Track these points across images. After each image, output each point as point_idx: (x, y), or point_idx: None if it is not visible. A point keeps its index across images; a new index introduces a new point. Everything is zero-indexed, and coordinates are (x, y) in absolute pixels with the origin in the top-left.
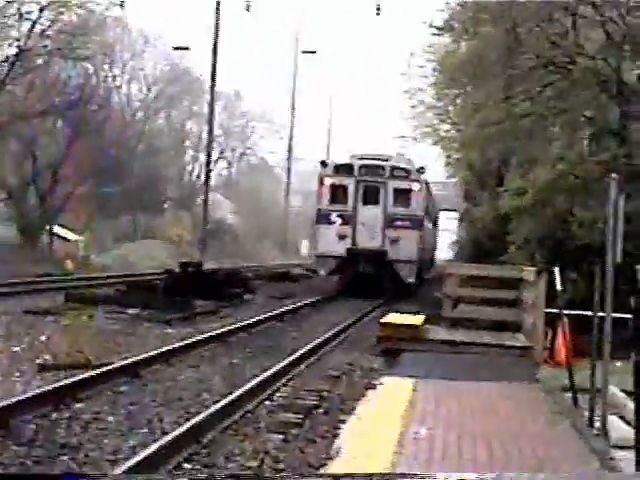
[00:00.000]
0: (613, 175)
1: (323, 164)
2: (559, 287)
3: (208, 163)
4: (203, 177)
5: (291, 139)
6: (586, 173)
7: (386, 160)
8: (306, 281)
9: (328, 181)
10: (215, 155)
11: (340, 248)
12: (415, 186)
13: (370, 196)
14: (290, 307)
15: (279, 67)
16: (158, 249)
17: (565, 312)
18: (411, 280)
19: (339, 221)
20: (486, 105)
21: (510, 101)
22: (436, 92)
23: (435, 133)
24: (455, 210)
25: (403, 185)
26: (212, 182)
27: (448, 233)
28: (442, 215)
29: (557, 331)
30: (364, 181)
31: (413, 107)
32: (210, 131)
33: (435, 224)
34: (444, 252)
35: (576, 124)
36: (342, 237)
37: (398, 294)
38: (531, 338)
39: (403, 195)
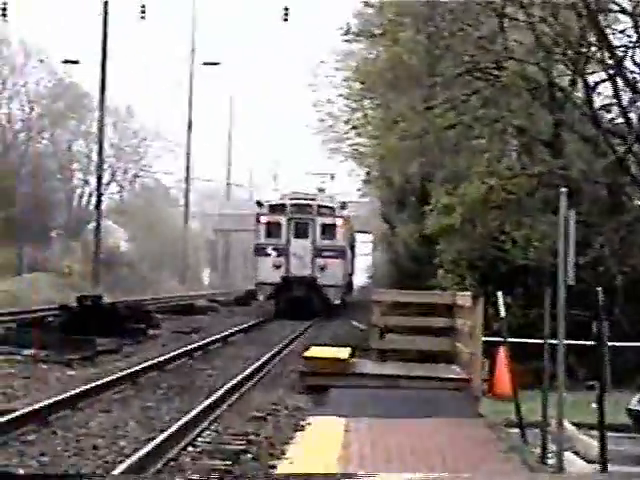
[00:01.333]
0: (563, 189)
1: (259, 204)
2: (503, 313)
3: (99, 186)
4: (94, 201)
5: (189, 159)
6: (518, 188)
7: (313, 199)
8: (213, 314)
9: (264, 219)
10: (106, 178)
11: (276, 276)
12: (339, 221)
13: (300, 231)
14: (200, 342)
15: (176, 81)
16: (46, 282)
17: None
18: (337, 302)
19: (274, 253)
20: (407, 116)
21: (433, 111)
22: (348, 103)
23: (349, 147)
24: (368, 232)
25: (328, 221)
26: (103, 207)
27: (362, 256)
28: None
29: (496, 361)
30: (295, 218)
31: (322, 120)
32: (100, 150)
33: (352, 250)
34: (359, 276)
35: (505, 135)
36: (277, 267)
37: (327, 315)
38: (468, 369)
39: (329, 229)
